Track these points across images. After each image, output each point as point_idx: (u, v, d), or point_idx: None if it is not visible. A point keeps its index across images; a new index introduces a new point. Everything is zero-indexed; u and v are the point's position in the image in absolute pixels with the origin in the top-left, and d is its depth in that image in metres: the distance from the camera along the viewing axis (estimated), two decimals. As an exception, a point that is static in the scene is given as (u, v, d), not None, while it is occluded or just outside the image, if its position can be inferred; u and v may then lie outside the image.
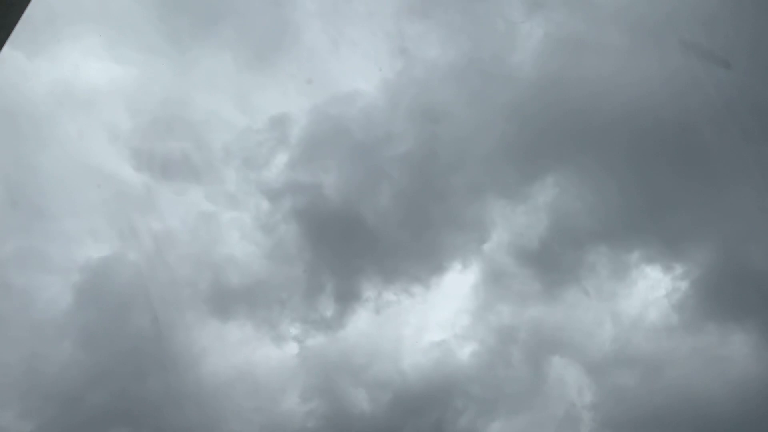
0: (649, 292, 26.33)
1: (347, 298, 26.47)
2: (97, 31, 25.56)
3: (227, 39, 26.36)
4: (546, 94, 25.02)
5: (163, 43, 25.79)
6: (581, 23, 25.44)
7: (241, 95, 27.48)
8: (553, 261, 26.72)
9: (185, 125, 26.23)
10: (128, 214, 25.90)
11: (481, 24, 25.81)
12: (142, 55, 26.02)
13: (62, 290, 24.66)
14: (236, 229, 26.64)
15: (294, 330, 26.08)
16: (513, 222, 26.68)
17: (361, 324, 26.50)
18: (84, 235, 25.53)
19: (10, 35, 5.66)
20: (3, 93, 23.29)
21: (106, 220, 25.97)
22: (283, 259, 26.55)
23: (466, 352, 25.99)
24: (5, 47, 5.67)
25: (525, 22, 24.78)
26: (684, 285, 25.65)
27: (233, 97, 27.35)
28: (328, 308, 26.39)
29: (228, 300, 26.42)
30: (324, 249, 26.95)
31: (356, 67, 26.87)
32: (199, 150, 26.19)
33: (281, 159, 26.58)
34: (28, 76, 24.50)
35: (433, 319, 27.52)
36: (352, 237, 26.66)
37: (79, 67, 25.64)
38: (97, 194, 25.63)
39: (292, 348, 25.95)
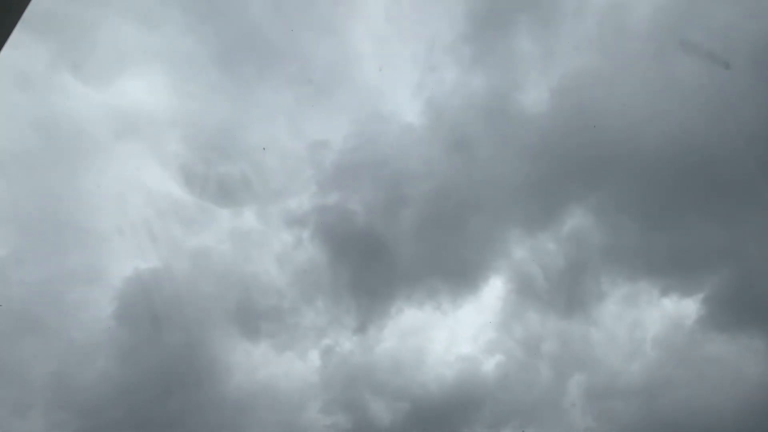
0: (659, 317, 27.14)
1: (373, 313, 27.67)
2: (162, 68, 27.97)
3: (289, 76, 28.73)
4: (565, 133, 26.33)
5: (224, 80, 28.16)
6: (596, 62, 26.66)
7: (294, 126, 29.38)
8: (571, 286, 27.54)
9: (235, 153, 27.91)
10: (174, 233, 27.62)
11: (502, 62, 27.44)
12: (202, 91, 28.09)
13: (104, 305, 25.78)
14: (269, 248, 28.02)
15: (320, 343, 27.11)
16: (534, 249, 27.84)
17: (386, 338, 27.50)
18: (131, 252, 26.69)
19: (9, 36, 5.63)
20: (70, 121, 25.87)
21: (153, 238, 27.12)
22: (312, 277, 27.92)
23: (489, 366, 26.83)
24: (7, 47, 5.59)
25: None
26: (697, 310, 26.28)
27: (285, 127, 29.21)
28: (353, 322, 27.51)
29: (257, 315, 27.48)
30: (352, 267, 28.16)
31: (396, 102, 29.21)
32: (245, 175, 27.79)
33: (317, 182, 28.31)
34: (93, 106, 26.63)
35: (456, 335, 28.58)
36: (380, 256, 27.80)
37: (141, 99, 27.64)
38: (146, 213, 27.28)
39: (315, 362, 26.88)
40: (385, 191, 28.07)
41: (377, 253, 27.78)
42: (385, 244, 27.76)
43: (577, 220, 27.59)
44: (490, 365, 26.86)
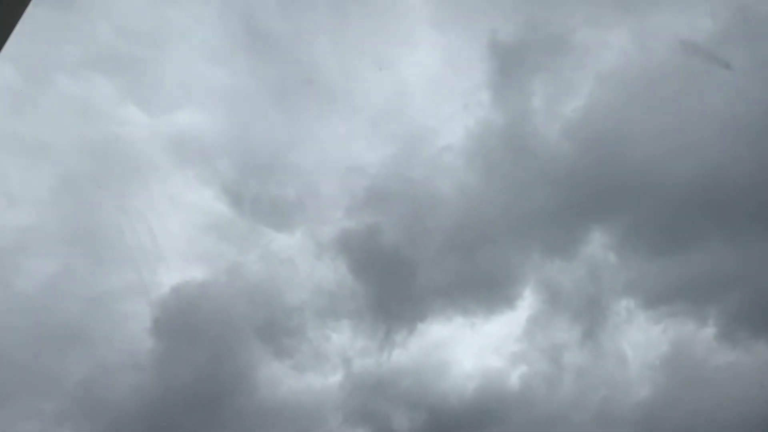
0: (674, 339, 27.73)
1: (398, 327, 28.50)
2: (221, 102, 30.94)
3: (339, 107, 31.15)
4: (586, 162, 27.84)
5: (278, 113, 30.56)
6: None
7: (338, 154, 31.49)
8: (587, 307, 28.82)
9: (282, 178, 30.24)
10: (214, 249, 29.58)
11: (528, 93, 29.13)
12: (257, 123, 30.94)
13: (144, 319, 27.09)
14: (301, 267, 29.36)
15: (344, 357, 27.91)
16: (555, 271, 29.23)
17: (410, 351, 28.38)
18: (174, 269, 28.49)
19: (9, 37, 5.44)
20: (127, 147, 28.44)
21: (194, 255, 29.55)
22: (340, 295, 29.00)
23: (512, 380, 27.70)
24: (6, 48, 5.48)
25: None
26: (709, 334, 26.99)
27: (330, 155, 31.33)
28: (378, 336, 28.28)
29: (284, 332, 28.35)
30: (378, 284, 29.22)
31: (433, 130, 31.27)
32: (288, 199, 30.08)
33: (351, 205, 29.76)
34: (152, 134, 29.21)
35: (478, 350, 29.83)
36: (406, 274, 29.10)
37: (198, 129, 30.20)
38: (191, 232, 29.83)
39: (338, 375, 27.57)
40: (415, 213, 29.77)
41: (403, 271, 29.22)
42: (411, 262, 29.31)
43: (596, 244, 29.03)
44: (513, 379, 27.82)
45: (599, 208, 28.54)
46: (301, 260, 29.08)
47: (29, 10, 5.61)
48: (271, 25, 30.08)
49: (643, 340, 27.63)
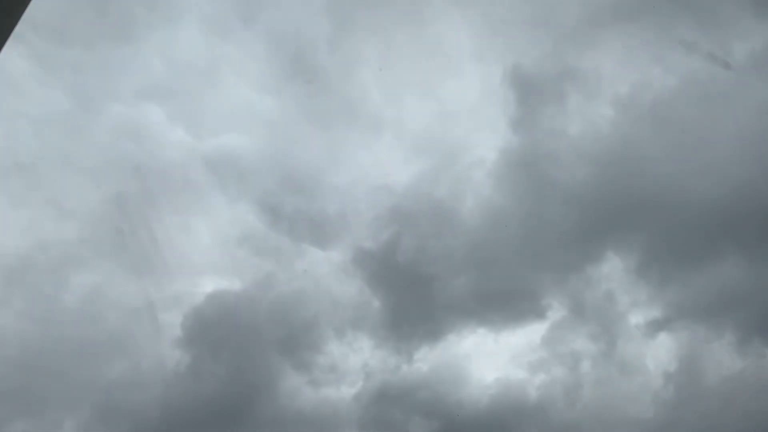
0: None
1: (419, 339, 29.56)
2: (264, 126, 32.51)
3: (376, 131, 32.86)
4: (604, 182, 29.28)
5: (318, 137, 32.37)
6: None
7: (373, 173, 32.88)
8: (605, 321, 29.94)
9: (317, 197, 31.53)
10: (245, 262, 30.55)
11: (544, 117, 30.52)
12: (297, 147, 32.35)
13: (175, 330, 28.19)
14: (327, 281, 30.51)
15: (364, 368, 28.79)
16: (572, 287, 30.25)
17: (429, 362, 29.30)
18: (208, 281, 30.01)
19: (8, 37, 5.45)
20: (170, 168, 30.19)
21: (227, 269, 30.71)
22: (362, 308, 30.15)
23: (530, 391, 28.65)
24: (7, 49, 5.45)
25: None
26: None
27: (365, 176, 32.64)
28: (397, 348, 29.37)
29: (306, 345, 29.62)
30: (398, 298, 30.32)
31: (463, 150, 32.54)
32: (322, 216, 31.23)
33: (378, 220, 30.93)
34: (193, 153, 30.85)
35: (496, 361, 30.77)
36: (427, 288, 30.24)
37: (237, 147, 31.75)
38: (227, 247, 31.07)
39: (356, 385, 28.45)
40: (438, 230, 30.91)
41: (423, 285, 30.36)
42: (432, 277, 30.39)
43: (614, 260, 30.20)
44: (530, 391, 28.73)
45: (618, 225, 29.84)
46: (327, 275, 30.25)
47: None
48: (320, 57, 31.82)
49: (658, 353, 28.69)
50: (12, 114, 28.03)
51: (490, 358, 30.15)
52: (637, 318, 29.16)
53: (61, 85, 28.94)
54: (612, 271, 29.62)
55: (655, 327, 28.83)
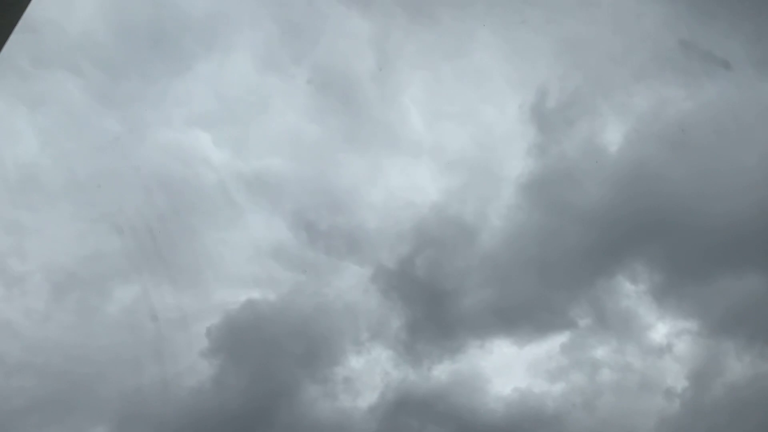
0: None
1: (438, 351, 30.64)
2: (301, 147, 34.02)
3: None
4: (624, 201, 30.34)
5: (354, 159, 33.88)
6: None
7: (406, 192, 34.06)
8: (624, 333, 30.88)
9: (348, 214, 32.90)
10: (273, 275, 31.75)
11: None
12: (333, 167, 33.94)
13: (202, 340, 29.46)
14: (349, 295, 31.44)
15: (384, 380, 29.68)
16: (588, 304, 31.18)
17: (448, 373, 30.31)
18: (236, 293, 30.99)
19: (9, 37, 5.57)
20: (216, 186, 31.92)
21: (253, 282, 31.73)
22: (382, 321, 31.10)
23: (545, 400, 29.42)
24: (5, 50, 5.57)
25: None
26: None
27: (395, 193, 34.10)
28: (416, 360, 30.40)
29: (327, 361, 30.58)
30: (420, 312, 31.55)
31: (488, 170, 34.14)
32: (349, 233, 32.57)
33: (406, 235, 32.20)
34: (235, 174, 32.34)
35: (515, 372, 31.25)
36: (446, 302, 31.39)
37: (278, 168, 33.43)
38: (260, 261, 32.21)
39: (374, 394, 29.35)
40: (461, 245, 32.27)
41: (445, 298, 31.56)
42: (452, 292, 31.64)
43: (632, 277, 31.12)
44: (549, 402, 29.52)
45: (637, 243, 30.94)
46: (353, 288, 31.37)
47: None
48: (364, 88, 33.48)
49: (676, 366, 29.46)
50: (69, 139, 30.34)
51: (508, 370, 31.21)
52: (655, 332, 30.29)
53: (116, 114, 31.12)
54: (630, 286, 30.83)
55: (673, 340, 29.95)
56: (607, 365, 29.71)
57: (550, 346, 30.63)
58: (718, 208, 28.60)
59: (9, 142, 28.71)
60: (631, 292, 30.58)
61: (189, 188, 31.63)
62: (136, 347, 27.99)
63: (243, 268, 31.91)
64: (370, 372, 29.70)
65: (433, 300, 31.41)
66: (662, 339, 29.93)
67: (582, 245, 30.73)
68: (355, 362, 29.97)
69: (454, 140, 34.22)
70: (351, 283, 31.33)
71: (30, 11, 5.82)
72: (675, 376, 29.06)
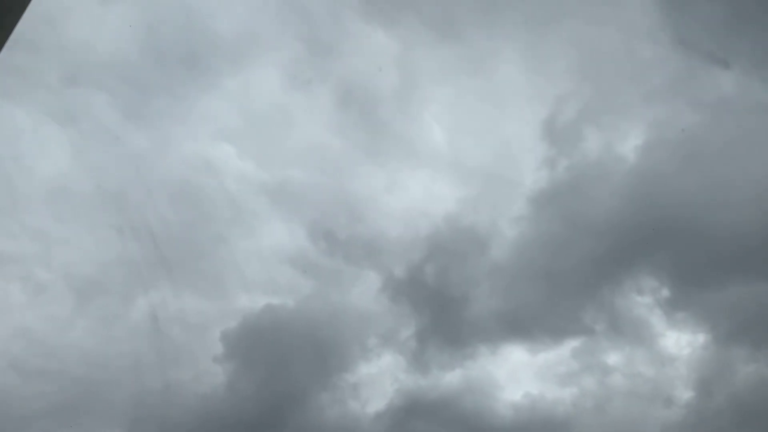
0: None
1: (450, 358, 31.27)
2: (322, 160, 34.90)
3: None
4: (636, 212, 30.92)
5: (372, 169, 34.74)
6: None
7: (426, 202, 34.99)
8: (636, 338, 31.49)
9: (366, 223, 33.61)
10: (291, 282, 32.52)
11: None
12: (351, 177, 34.80)
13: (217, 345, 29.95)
14: (365, 303, 32.19)
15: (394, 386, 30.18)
16: (605, 307, 31.53)
17: (460, 379, 30.80)
18: (257, 297, 31.64)
19: (9, 36, 5.74)
20: (240, 196, 32.88)
21: (280, 286, 32.69)
22: (396, 329, 31.70)
23: (555, 405, 29.90)
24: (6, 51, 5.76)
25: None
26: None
27: (414, 203, 34.92)
28: (428, 365, 30.98)
29: (340, 367, 31.00)
30: (432, 320, 32.09)
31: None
32: (366, 241, 33.25)
33: (422, 244, 33.01)
34: (251, 180, 33.36)
35: (526, 377, 31.79)
36: (460, 310, 32.01)
37: (299, 179, 34.36)
38: (278, 268, 33.02)
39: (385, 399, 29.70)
40: (474, 253, 32.80)
41: (457, 306, 32.06)
42: (462, 299, 32.15)
43: (644, 282, 31.59)
44: (559, 406, 29.84)
45: (646, 253, 31.20)
46: (368, 294, 32.01)
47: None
48: (388, 105, 34.49)
49: (686, 371, 29.95)
50: (98, 152, 31.38)
51: (519, 376, 31.64)
52: (664, 339, 30.62)
53: (144, 129, 32.18)
54: (639, 295, 31.29)
55: (682, 348, 30.36)
56: (617, 372, 30.21)
57: (561, 353, 31.18)
58: (726, 218, 28.98)
59: (40, 156, 29.95)
60: (640, 300, 31.21)
61: (213, 198, 32.46)
62: (152, 353, 28.44)
63: (262, 275, 32.63)
64: (381, 377, 30.29)
65: (446, 307, 32.08)
66: (671, 346, 30.39)
67: (593, 254, 31.28)
68: (366, 368, 30.58)
69: (472, 154, 34.98)
70: (366, 290, 31.96)
71: (30, 11, 5.94)
72: (683, 383, 29.51)
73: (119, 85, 31.71)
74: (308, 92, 34.51)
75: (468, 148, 35.20)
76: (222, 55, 33.66)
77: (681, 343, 30.32)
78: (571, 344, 31.04)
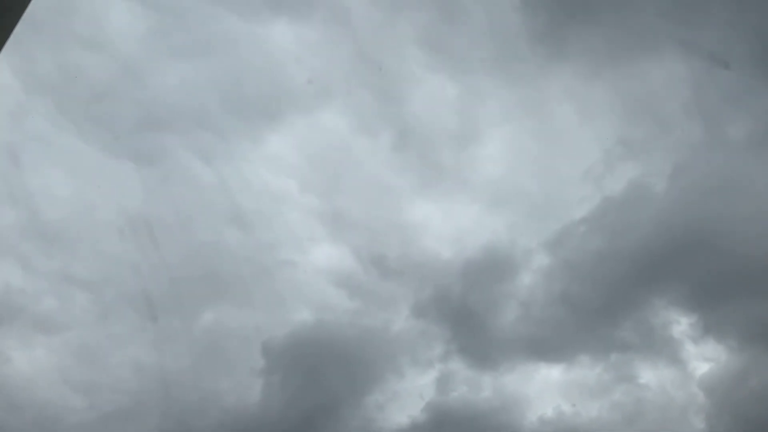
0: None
1: (479, 371, 32.69)
2: (373, 188, 37.13)
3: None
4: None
5: (423, 205, 37.18)
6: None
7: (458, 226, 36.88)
8: (657, 353, 32.84)
9: (414, 246, 35.65)
10: (328, 300, 34.23)
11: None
12: (402, 209, 36.98)
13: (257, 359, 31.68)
14: (398, 318, 33.74)
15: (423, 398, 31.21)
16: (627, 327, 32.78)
17: (490, 390, 31.97)
18: (298, 314, 33.52)
19: (9, 37, 5.49)
20: (296, 222, 35.34)
21: (322, 305, 34.40)
22: (432, 341, 33.31)
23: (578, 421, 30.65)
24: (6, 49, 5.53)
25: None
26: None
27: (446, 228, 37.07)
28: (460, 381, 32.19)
29: (372, 381, 32.74)
30: (461, 337, 33.48)
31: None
32: (398, 260, 35.03)
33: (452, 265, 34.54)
34: (310, 210, 35.73)
35: (552, 393, 32.67)
36: (487, 326, 33.87)
37: (346, 206, 36.74)
38: (322, 285, 34.78)
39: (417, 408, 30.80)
40: (501, 274, 34.65)
41: (486, 323, 33.83)
42: (492, 317, 33.80)
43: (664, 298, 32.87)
44: (581, 420, 30.66)
45: (671, 271, 32.39)
46: (401, 314, 33.59)
47: None
48: (446, 142, 36.94)
49: (711, 386, 30.47)
50: (170, 189, 34.67)
51: (547, 391, 32.64)
52: (688, 351, 31.70)
53: (214, 167, 35.23)
54: (668, 313, 32.37)
55: (706, 360, 31.34)
56: (646, 388, 31.22)
57: (591, 370, 32.34)
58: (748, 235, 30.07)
59: (115, 193, 32.99)
60: (669, 318, 32.40)
61: (273, 225, 35.37)
62: (202, 367, 30.82)
63: (311, 294, 34.64)
64: (409, 394, 31.50)
65: (477, 326, 33.92)
66: (699, 365, 31.40)
67: (623, 273, 32.65)
68: (397, 384, 32.02)
69: (522, 190, 36.92)
70: (402, 310, 33.63)
71: (30, 11, 6.27)
72: (707, 398, 30.20)
73: (194, 127, 35.01)
74: (371, 135, 36.58)
75: (518, 186, 37.13)
76: (293, 101, 36.33)
77: (708, 359, 31.31)
78: (602, 361, 32.32)
